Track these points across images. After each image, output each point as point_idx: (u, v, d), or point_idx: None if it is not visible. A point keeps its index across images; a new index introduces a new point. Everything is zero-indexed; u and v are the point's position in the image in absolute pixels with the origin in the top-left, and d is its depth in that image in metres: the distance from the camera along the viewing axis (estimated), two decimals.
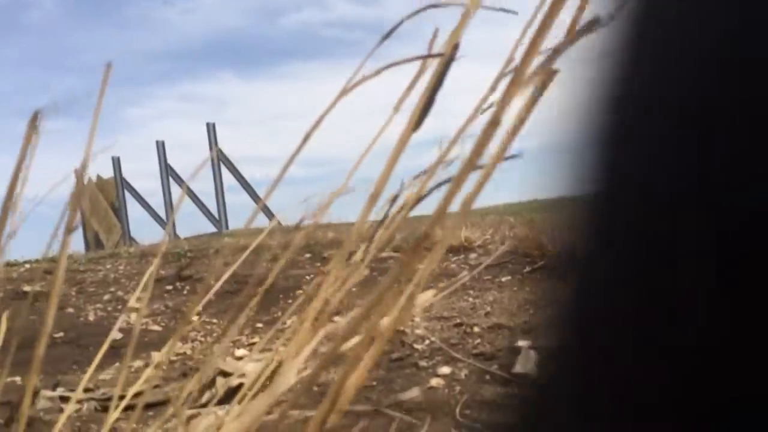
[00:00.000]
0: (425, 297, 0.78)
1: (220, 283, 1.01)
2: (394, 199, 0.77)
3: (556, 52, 0.49)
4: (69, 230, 0.70)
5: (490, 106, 0.66)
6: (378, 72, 0.71)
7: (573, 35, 0.49)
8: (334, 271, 0.85)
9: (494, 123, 0.47)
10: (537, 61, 0.49)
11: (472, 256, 4.47)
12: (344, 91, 0.72)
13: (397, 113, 0.73)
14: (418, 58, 0.70)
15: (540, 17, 0.47)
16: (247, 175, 14.33)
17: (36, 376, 0.70)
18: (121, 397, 2.38)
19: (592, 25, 0.50)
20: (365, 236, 0.81)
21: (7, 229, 0.73)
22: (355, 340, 0.84)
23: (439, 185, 0.68)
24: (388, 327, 0.60)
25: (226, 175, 13.64)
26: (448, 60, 0.59)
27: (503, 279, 4.08)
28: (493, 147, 0.51)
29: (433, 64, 0.64)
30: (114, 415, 0.88)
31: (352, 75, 0.73)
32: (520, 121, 0.54)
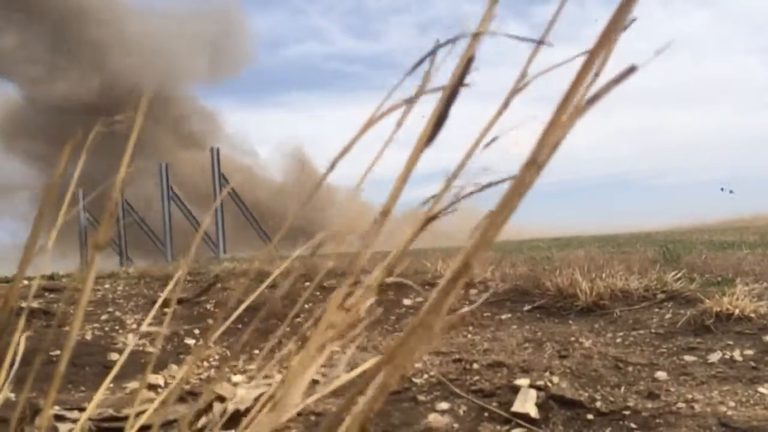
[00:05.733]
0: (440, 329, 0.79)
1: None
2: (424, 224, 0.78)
3: (593, 99, 0.50)
4: (98, 247, 0.71)
5: (494, 140, 0.67)
6: (407, 101, 0.73)
7: (608, 84, 0.51)
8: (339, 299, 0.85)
9: (532, 162, 0.48)
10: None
11: (473, 292, 4.46)
12: (371, 122, 0.73)
13: (399, 127, 0.74)
14: (438, 89, 0.72)
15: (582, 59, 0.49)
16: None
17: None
18: (118, 419, 2.35)
19: (628, 72, 0.52)
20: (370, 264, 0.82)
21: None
22: (362, 369, 0.84)
23: (442, 211, 0.70)
24: (412, 358, 0.61)
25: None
26: (463, 71, 0.63)
27: (503, 316, 4.08)
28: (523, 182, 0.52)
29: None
30: None
31: (377, 107, 0.74)
32: (546, 159, 0.56)
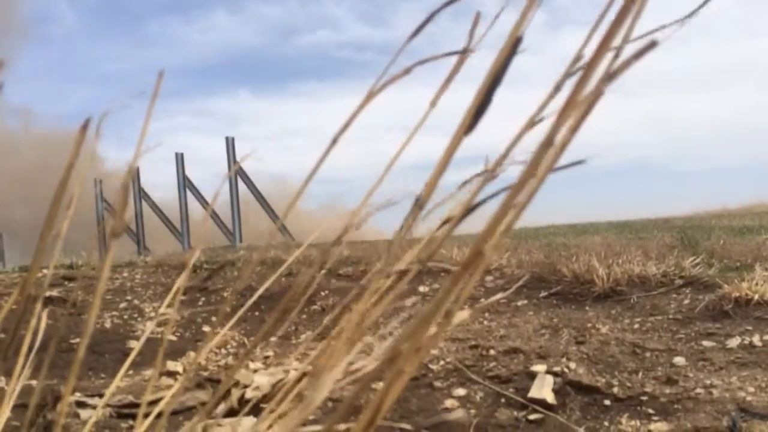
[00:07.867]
0: (461, 316, 0.78)
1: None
2: (420, 206, 0.76)
3: (612, 75, 0.49)
4: (114, 235, 0.71)
5: (540, 120, 0.65)
6: (408, 70, 0.70)
7: (627, 60, 0.50)
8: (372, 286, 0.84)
9: (548, 143, 0.47)
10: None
11: (489, 278, 4.46)
12: (371, 94, 0.71)
13: (433, 108, 0.71)
14: (453, 53, 0.69)
15: (597, 39, 0.48)
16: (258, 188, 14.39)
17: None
18: (137, 405, 2.38)
19: (646, 49, 0.51)
20: (398, 250, 0.81)
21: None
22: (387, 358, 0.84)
23: (487, 199, 0.68)
24: (427, 345, 0.60)
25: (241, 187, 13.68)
26: (509, 54, 0.55)
27: (519, 303, 4.07)
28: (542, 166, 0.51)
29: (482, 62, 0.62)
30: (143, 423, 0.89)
31: (378, 77, 0.71)
32: (566, 141, 0.55)
